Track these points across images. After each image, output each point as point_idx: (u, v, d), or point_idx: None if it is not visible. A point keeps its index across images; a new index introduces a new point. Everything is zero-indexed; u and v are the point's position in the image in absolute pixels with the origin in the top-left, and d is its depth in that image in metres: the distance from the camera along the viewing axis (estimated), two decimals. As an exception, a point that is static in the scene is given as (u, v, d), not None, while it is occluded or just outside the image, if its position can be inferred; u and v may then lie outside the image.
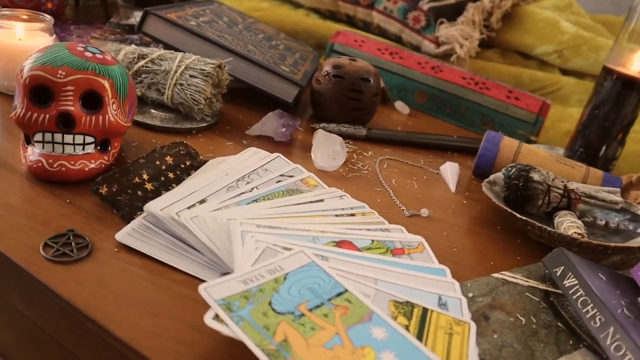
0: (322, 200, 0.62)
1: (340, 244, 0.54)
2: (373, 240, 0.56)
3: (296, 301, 0.45)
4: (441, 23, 1.13)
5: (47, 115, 0.58)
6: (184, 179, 0.62)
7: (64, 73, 0.58)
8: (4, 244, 0.49)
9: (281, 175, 0.64)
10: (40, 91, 0.58)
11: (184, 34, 0.83)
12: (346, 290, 0.47)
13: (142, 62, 0.76)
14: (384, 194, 0.72)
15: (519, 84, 1.11)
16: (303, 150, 0.78)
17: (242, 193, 0.58)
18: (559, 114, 1.05)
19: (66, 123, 0.58)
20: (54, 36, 0.77)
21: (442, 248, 0.62)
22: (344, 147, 0.75)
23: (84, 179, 0.60)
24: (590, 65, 1.11)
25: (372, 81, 0.85)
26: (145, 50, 0.78)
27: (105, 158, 0.62)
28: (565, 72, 1.16)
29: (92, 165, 0.60)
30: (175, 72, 0.75)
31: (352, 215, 0.62)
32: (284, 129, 0.76)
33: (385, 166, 0.79)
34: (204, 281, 0.50)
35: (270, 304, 0.44)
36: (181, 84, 0.75)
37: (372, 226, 0.60)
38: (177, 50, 0.83)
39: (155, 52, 0.78)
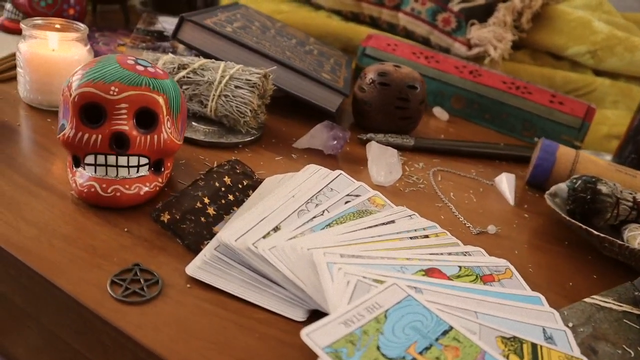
0: (393, 222, 0.57)
1: (429, 272, 0.50)
2: (460, 267, 0.51)
3: (404, 343, 0.40)
4: (472, 24, 1.09)
5: (100, 136, 0.52)
6: (243, 201, 0.57)
7: (117, 89, 0.52)
8: (66, 281, 0.44)
9: (348, 195, 0.59)
10: (91, 109, 0.53)
11: (221, 41, 0.78)
12: (451, 328, 0.42)
13: (183, 73, 0.70)
14: (445, 210, 0.67)
15: (552, 85, 1.07)
16: (354, 163, 0.73)
17: (314, 217, 0.53)
18: (596, 117, 1.01)
19: (120, 144, 0.53)
20: (88, 46, 0.71)
21: (518, 269, 0.58)
22: (399, 160, 0.70)
23: (138, 204, 0.55)
24: (626, 65, 1.07)
25: (418, 88, 0.80)
26: (185, 59, 0.72)
27: (160, 180, 0.56)
28: (597, 72, 1.12)
29: (147, 189, 0.55)
30: (220, 82, 0.70)
31: (426, 236, 0.57)
32: (335, 142, 0.71)
33: (439, 178, 0.74)
34: (289, 319, 0.45)
35: (378, 348, 0.39)
36: (226, 96, 0.70)
37: (451, 249, 0.55)
38: (213, 58, 0.78)
39: (196, 61, 0.72)
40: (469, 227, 0.65)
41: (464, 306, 0.46)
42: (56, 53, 0.68)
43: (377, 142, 0.78)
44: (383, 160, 0.69)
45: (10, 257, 0.47)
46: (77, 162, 0.54)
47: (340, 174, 0.61)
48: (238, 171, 0.60)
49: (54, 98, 0.69)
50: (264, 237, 0.49)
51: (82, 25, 0.71)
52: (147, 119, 0.54)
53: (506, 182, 0.74)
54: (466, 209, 0.68)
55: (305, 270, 0.46)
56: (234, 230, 0.49)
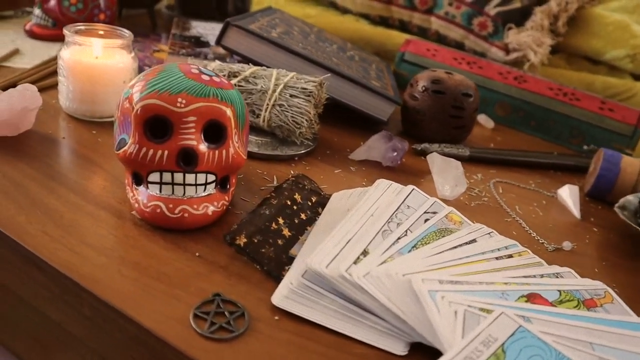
0: (475, 240, 0.53)
1: (531, 298, 0.45)
2: (560, 291, 0.47)
3: (532, 384, 0.36)
4: (509, 29, 1.05)
5: (166, 152, 0.48)
6: (315, 220, 0.53)
7: (184, 101, 0.47)
8: (144, 315, 0.39)
9: (425, 212, 0.54)
10: (155, 123, 0.48)
11: (267, 47, 0.73)
12: (575, 364, 0.38)
13: (234, 81, 0.66)
14: (515, 225, 0.63)
15: (591, 91, 1.03)
16: (413, 175, 0.69)
17: (399, 238, 0.49)
18: (639, 123, 0.97)
19: (187, 160, 0.48)
20: (133, 53, 0.66)
21: (604, 289, 0.54)
22: (464, 172, 0.66)
23: (206, 225, 0.50)
24: (667, 70, 1.04)
25: (473, 96, 0.76)
26: (235, 67, 0.67)
27: (226, 198, 0.52)
28: (636, 77, 1.09)
29: (214, 208, 0.50)
30: (274, 91, 0.65)
31: (510, 256, 0.53)
32: (394, 154, 0.67)
33: (500, 190, 0.70)
34: (388, 353, 0.41)
35: (507, 390, 0.35)
36: (280, 105, 0.65)
37: (539, 270, 0.51)
38: (258, 64, 0.74)
39: (247, 68, 0.67)
40: (543, 243, 0.60)
41: (577, 336, 0.42)
42: (100, 61, 0.64)
43: (434, 152, 0.74)
44: (448, 172, 0.65)
45: (73, 286, 0.42)
46: (139, 179, 0.50)
47: (413, 189, 0.57)
48: (306, 187, 0.56)
49: (97, 108, 0.65)
50: (354, 262, 0.44)
51: (126, 32, 0.66)
52: (214, 132, 0.50)
53: (570, 194, 0.70)
54: (534, 223, 0.64)
55: (404, 298, 0.42)
56: (322, 256, 0.44)
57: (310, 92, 0.66)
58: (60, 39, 0.87)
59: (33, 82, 0.72)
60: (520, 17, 1.08)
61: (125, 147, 0.49)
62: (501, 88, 0.92)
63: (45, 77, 0.74)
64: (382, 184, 0.58)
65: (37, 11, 0.87)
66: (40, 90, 0.70)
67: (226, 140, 0.50)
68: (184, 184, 0.48)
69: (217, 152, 0.49)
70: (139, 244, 0.47)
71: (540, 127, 0.91)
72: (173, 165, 0.48)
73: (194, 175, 0.48)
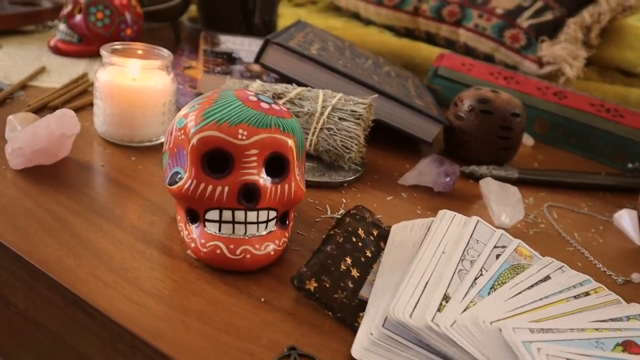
0: (549, 277, 0.49)
1: (627, 347, 0.41)
2: (654, 337, 0.44)
3: None
4: (543, 41, 1.01)
5: (227, 188, 0.44)
6: (379, 256, 0.49)
7: (245, 133, 0.43)
8: (217, 377, 0.36)
9: (495, 247, 0.51)
10: (214, 157, 0.44)
11: (309, 65, 0.69)
12: None
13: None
14: (577, 255, 0.59)
15: (625, 104, 0.99)
16: (464, 200, 0.65)
17: (476, 279, 0.45)
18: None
19: (249, 197, 0.44)
20: (172, 74, 0.62)
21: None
22: (521, 198, 0.62)
23: (267, 265, 0.46)
24: None
25: (521, 116, 0.72)
26: (277, 87, 0.64)
27: (286, 234, 0.48)
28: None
29: (276, 247, 0.46)
30: (322, 114, 0.61)
31: (587, 294, 0.49)
32: (447, 179, 0.63)
33: (555, 216, 0.66)
34: (484, 414, 0.37)
35: None
36: (329, 129, 0.61)
37: (623, 310, 0.47)
38: (299, 83, 0.70)
39: (291, 89, 0.63)
40: (610, 275, 0.57)
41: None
42: (138, 83, 0.59)
43: (481, 175, 0.70)
44: (505, 199, 0.61)
45: (129, 336, 0.39)
46: (195, 217, 0.46)
47: (478, 221, 0.53)
48: (367, 219, 0.52)
49: (136, 133, 0.61)
50: (438, 309, 0.40)
51: (165, 51, 0.62)
52: (276, 165, 0.46)
53: (629, 219, 0.66)
54: (597, 252, 0.61)
55: (496, 350, 0.38)
56: (403, 303, 0.40)
57: (360, 115, 0.62)
58: (86, 55, 0.84)
59: (64, 103, 0.68)
60: (552, 29, 1.04)
61: (181, 183, 0.44)
62: (540, 104, 0.88)
63: (75, 96, 0.70)
64: (445, 215, 0.54)
65: (62, 26, 0.83)
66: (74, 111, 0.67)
67: (288, 173, 0.46)
68: (245, 222, 0.44)
69: (279, 186, 0.45)
70: (199, 288, 0.43)
71: (581, 145, 0.88)
72: (234, 202, 0.44)
73: (255, 212, 0.44)
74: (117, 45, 0.62)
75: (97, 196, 0.52)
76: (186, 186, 0.44)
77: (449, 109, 0.78)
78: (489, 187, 0.63)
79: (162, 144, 0.63)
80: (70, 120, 0.55)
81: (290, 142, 0.46)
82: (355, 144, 0.61)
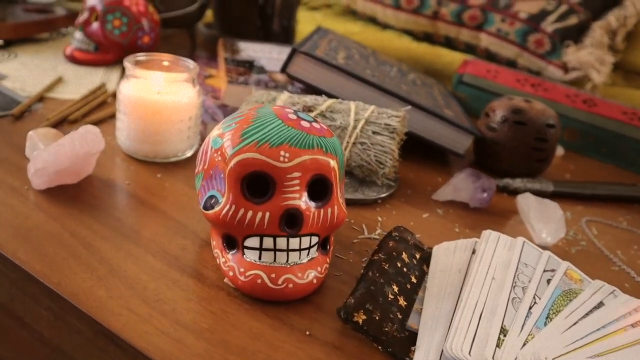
0: (602, 303, 0.46)
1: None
2: None
3: None
4: (567, 46, 0.98)
5: (268, 214, 0.41)
6: (422, 281, 0.46)
7: (287, 155, 0.41)
8: None
9: (545, 271, 0.48)
10: (253, 180, 0.42)
11: (336, 75, 0.67)
12: None
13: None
14: (623, 275, 0.56)
15: (652, 111, 0.97)
16: (501, 216, 0.62)
17: (530, 308, 0.42)
18: None
19: (292, 222, 0.41)
20: (198, 86, 0.59)
21: None
22: (563, 214, 0.59)
23: (309, 294, 0.43)
24: None
25: (556, 127, 0.70)
26: (307, 99, 0.61)
27: (327, 260, 0.45)
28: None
29: (317, 274, 0.43)
30: (354, 127, 0.59)
31: (644, 321, 0.46)
32: (484, 195, 0.60)
33: (594, 231, 0.64)
34: None
35: None
36: (362, 143, 0.59)
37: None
38: (326, 93, 0.67)
39: (321, 101, 0.61)
40: (660, 297, 0.54)
41: None
42: (163, 97, 0.56)
43: (516, 189, 0.67)
44: (545, 215, 0.58)
45: (168, 375, 0.36)
46: (232, 243, 0.43)
47: (524, 242, 0.50)
48: (409, 242, 0.49)
49: (161, 148, 0.58)
50: (497, 345, 0.38)
51: (190, 62, 0.59)
52: (318, 188, 0.43)
53: (671, 235, 0.63)
54: (642, 271, 0.58)
55: (563, 393, 0.35)
56: (459, 338, 0.37)
57: (394, 128, 0.59)
58: (103, 63, 0.81)
59: (84, 116, 0.65)
60: (577, 34, 1.01)
61: (218, 208, 0.42)
62: (569, 112, 0.85)
63: (94, 108, 0.68)
64: (490, 237, 0.51)
65: (78, 34, 0.80)
66: (93, 124, 0.64)
67: (331, 196, 0.43)
68: (288, 250, 0.41)
69: (321, 211, 0.42)
70: (240, 321, 0.40)
71: (612, 154, 0.85)
72: (275, 229, 0.41)
73: (298, 239, 0.42)
74: (141, 56, 0.59)
75: (124, 218, 0.49)
76: (224, 212, 0.41)
77: (478, 118, 0.75)
78: (528, 203, 0.60)
79: (187, 159, 0.60)
80: (94, 138, 0.52)
81: (333, 163, 0.43)
82: (390, 159, 0.58)
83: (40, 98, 0.68)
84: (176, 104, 0.57)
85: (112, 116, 0.66)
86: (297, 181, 0.41)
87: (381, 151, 0.58)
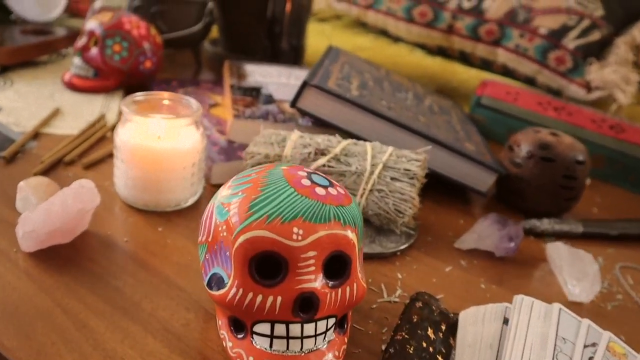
0: (654, 386, 0.41)
1: None
2: None
3: None
4: (590, 63, 0.92)
5: (280, 298, 0.36)
6: (450, 358, 0.41)
7: (301, 232, 0.35)
8: None
9: (585, 346, 0.43)
10: (264, 260, 0.36)
11: (350, 110, 0.61)
12: None
13: (322, 161, 0.54)
14: (666, 335, 0.51)
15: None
16: (529, 265, 0.57)
17: (575, 400, 0.37)
18: None
19: (306, 306, 0.36)
20: (202, 128, 0.54)
21: None
22: (599, 267, 0.54)
23: (325, 382, 0.38)
24: None
25: (585, 162, 0.64)
26: (319, 140, 0.55)
27: (345, 340, 0.40)
28: None
29: (335, 358, 0.38)
30: (371, 173, 0.53)
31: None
32: (511, 244, 0.55)
33: (631, 281, 0.58)
34: None
35: None
36: (380, 190, 0.53)
37: None
38: (339, 129, 0.62)
39: (335, 142, 0.55)
40: None
41: None
42: (163, 142, 0.51)
43: (543, 231, 0.61)
44: (579, 269, 0.53)
45: None
46: (240, 326, 0.38)
47: (560, 309, 0.45)
48: (434, 310, 0.44)
49: (162, 197, 0.53)
50: None
51: (193, 102, 0.54)
52: (336, 265, 0.38)
53: None
54: (685, 329, 0.52)
55: None
56: None
57: (415, 174, 0.53)
58: (103, 90, 0.76)
59: (80, 155, 0.60)
60: (599, 49, 0.95)
61: (224, 290, 0.37)
62: (595, 138, 0.79)
63: (94, 144, 0.63)
64: (523, 303, 0.45)
65: (76, 60, 0.74)
66: (90, 166, 0.59)
67: (350, 273, 0.38)
68: (302, 337, 0.36)
69: (340, 290, 0.37)
70: (249, 422, 0.35)
71: None
72: (288, 315, 0.36)
73: (313, 324, 0.36)
74: (139, 96, 0.53)
75: (122, 286, 0.44)
76: (230, 295, 0.36)
77: (496, 142, 0.70)
78: (560, 255, 0.55)
79: (190, 207, 0.55)
80: (88, 192, 0.47)
81: (352, 235, 0.38)
82: (410, 207, 0.53)
83: (35, 134, 0.63)
84: (178, 150, 0.52)
85: (111, 155, 0.61)
86: (312, 261, 0.36)
87: (400, 199, 0.53)
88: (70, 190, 0.46)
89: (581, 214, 0.69)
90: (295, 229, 0.35)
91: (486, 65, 1.04)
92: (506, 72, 1.02)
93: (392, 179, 0.53)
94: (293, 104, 0.61)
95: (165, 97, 0.55)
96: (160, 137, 0.52)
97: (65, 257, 0.46)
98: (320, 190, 0.38)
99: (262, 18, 0.88)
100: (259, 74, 0.79)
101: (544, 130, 0.66)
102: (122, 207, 0.54)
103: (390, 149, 0.55)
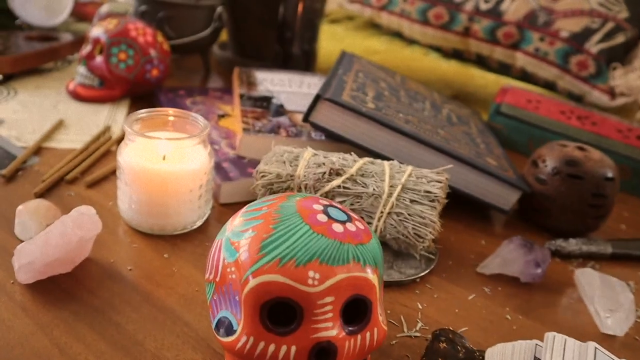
0: None
1: None
2: None
3: None
4: (614, 68, 0.88)
5: (294, 348, 0.32)
6: (478, 407, 0.38)
7: (317, 276, 0.32)
8: None
9: (625, 393, 0.39)
10: (277, 306, 0.33)
11: (366, 124, 0.58)
12: None
13: (337, 182, 0.50)
14: None
15: None
16: (556, 292, 0.52)
17: None
18: None
19: (323, 356, 0.33)
20: (209, 148, 0.51)
21: None
22: (633, 295, 0.50)
23: None
24: None
25: (614, 179, 0.60)
26: (335, 160, 0.51)
27: (364, 387, 0.37)
28: None
29: (353, 410, 0.35)
30: (390, 195, 0.50)
31: None
32: (538, 271, 0.51)
33: (663, 307, 0.54)
34: None
35: None
36: (398, 213, 0.49)
37: None
38: (354, 144, 0.58)
39: (350, 161, 0.51)
40: None
41: None
42: (169, 163, 0.48)
43: (570, 252, 0.57)
44: (611, 299, 0.49)
45: None
46: (250, 374, 0.35)
47: (596, 349, 0.41)
48: (459, 351, 0.40)
49: (168, 221, 0.49)
50: None
51: (200, 120, 0.50)
52: (355, 309, 0.34)
53: None
54: None
55: None
56: None
57: (436, 197, 0.50)
58: (108, 100, 0.72)
59: (83, 172, 0.57)
60: (624, 53, 0.90)
61: (233, 338, 0.33)
62: (621, 149, 0.75)
63: (98, 159, 0.59)
64: (555, 342, 0.42)
65: (81, 69, 0.71)
66: (93, 185, 0.56)
67: (371, 318, 0.34)
68: (318, 390, 0.33)
69: (359, 337, 0.34)
70: None
71: (668, 195, 0.75)
72: (303, 366, 0.32)
73: (329, 375, 0.33)
74: (143, 113, 0.50)
75: (124, 323, 0.41)
76: (240, 344, 0.33)
77: (516, 151, 0.66)
78: (590, 283, 0.51)
79: (197, 230, 0.52)
80: (90, 220, 0.43)
81: (373, 277, 0.34)
82: (431, 232, 0.49)
83: (37, 149, 0.60)
84: (185, 171, 0.48)
85: (115, 172, 0.58)
86: (329, 307, 0.32)
87: (421, 223, 0.49)
88: (70, 218, 0.43)
89: (609, 231, 0.65)
90: (311, 273, 0.32)
91: (504, 69, 1.00)
92: (525, 76, 0.98)
93: (411, 201, 0.50)
94: (306, 118, 0.58)
95: (170, 113, 0.51)
96: (166, 158, 0.48)
97: (65, 289, 0.43)
98: (337, 227, 0.34)
99: (273, 22, 0.84)
100: (270, 82, 0.75)
101: (570, 145, 0.62)
102: (126, 230, 0.50)
103: (409, 168, 0.51)
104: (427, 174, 0.51)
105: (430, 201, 0.50)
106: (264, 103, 0.68)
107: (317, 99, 0.57)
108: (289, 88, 0.74)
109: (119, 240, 0.49)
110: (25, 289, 0.42)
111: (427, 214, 0.49)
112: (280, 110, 0.67)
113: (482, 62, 1.02)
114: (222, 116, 0.69)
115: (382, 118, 0.57)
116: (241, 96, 0.69)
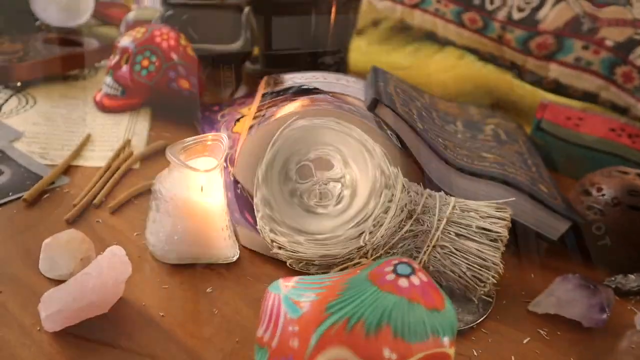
0: None
1: None
2: None
3: None
4: (660, 82, 0.82)
5: None
6: None
7: (394, 356, 0.27)
8: None
9: None
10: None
11: (413, 141, 0.53)
12: None
13: (407, 227, 0.45)
14: None
15: None
16: (616, 335, 0.48)
17: None
18: None
19: None
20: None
21: None
22: None
23: None
24: None
25: (680, 210, 0.55)
26: (411, 197, 0.46)
27: None
28: None
29: None
30: (437, 229, 0.45)
31: None
32: (604, 316, 0.46)
33: None
34: None
35: None
36: (442, 246, 0.44)
37: None
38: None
39: (412, 193, 0.46)
40: None
41: None
42: (205, 197, 0.43)
43: (629, 290, 0.53)
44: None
45: None
46: None
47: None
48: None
49: (203, 251, 0.45)
50: None
51: (225, 141, 0.45)
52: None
53: None
54: None
55: None
56: None
57: (499, 236, 0.45)
58: (128, 109, 0.68)
59: (107, 194, 0.52)
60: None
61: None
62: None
63: (118, 181, 0.55)
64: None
65: (108, 79, 0.67)
66: (116, 210, 0.51)
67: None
68: None
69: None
70: None
71: None
72: None
73: None
74: (189, 142, 0.44)
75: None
76: None
77: (556, 170, 0.61)
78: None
79: (236, 263, 0.47)
80: (121, 261, 0.39)
81: (451, 351, 0.30)
82: (492, 276, 0.44)
83: (66, 169, 0.55)
84: (223, 204, 0.44)
85: (136, 195, 0.53)
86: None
87: (481, 265, 0.44)
88: (104, 259, 0.38)
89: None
90: (387, 353, 0.27)
91: (536, 80, 0.94)
92: (558, 87, 0.92)
93: (457, 235, 0.45)
94: (373, 107, 0.52)
95: (209, 138, 0.46)
96: (203, 189, 0.44)
97: (93, 339, 0.38)
98: (401, 282, 0.30)
99: (306, 37, 0.79)
100: (299, 77, 0.67)
101: (632, 172, 0.57)
102: (154, 266, 0.45)
103: (452, 200, 0.46)
104: (485, 209, 0.46)
105: (492, 240, 0.45)
106: (289, 91, 0.59)
107: (375, 102, 0.52)
108: (323, 80, 0.66)
109: (146, 276, 0.44)
110: (52, 338, 0.38)
111: (490, 256, 0.44)
112: (315, 91, 0.59)
113: (516, 69, 0.96)
114: (238, 120, 0.63)
115: (431, 141, 0.52)
116: (264, 95, 0.61)
